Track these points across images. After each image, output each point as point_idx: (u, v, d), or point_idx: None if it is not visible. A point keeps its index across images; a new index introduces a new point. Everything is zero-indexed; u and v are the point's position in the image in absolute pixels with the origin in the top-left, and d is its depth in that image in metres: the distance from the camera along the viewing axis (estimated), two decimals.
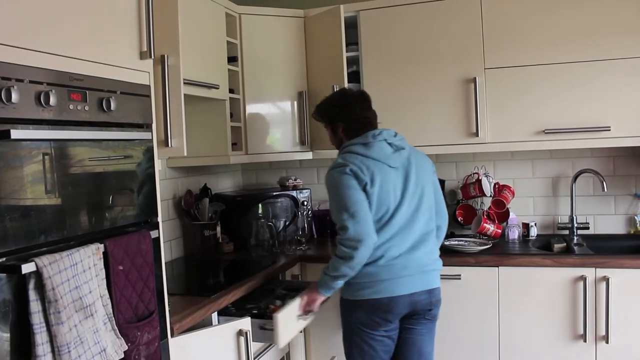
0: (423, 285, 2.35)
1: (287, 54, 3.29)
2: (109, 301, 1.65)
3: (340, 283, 2.35)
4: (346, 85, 3.03)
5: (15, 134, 1.36)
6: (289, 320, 2.35)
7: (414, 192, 2.38)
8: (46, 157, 1.49)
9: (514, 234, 3.27)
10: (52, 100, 1.47)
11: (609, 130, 2.91)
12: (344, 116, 2.47)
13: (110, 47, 1.75)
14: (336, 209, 2.32)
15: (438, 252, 2.48)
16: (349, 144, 2.43)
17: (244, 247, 3.25)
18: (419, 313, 2.38)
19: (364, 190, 2.29)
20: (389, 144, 2.38)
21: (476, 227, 3.25)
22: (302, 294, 2.45)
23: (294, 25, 3.30)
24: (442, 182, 3.50)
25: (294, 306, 2.39)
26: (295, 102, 3.31)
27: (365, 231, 2.24)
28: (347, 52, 3.33)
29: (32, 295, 1.42)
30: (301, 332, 3.01)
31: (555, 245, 3.09)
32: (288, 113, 3.32)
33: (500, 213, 3.31)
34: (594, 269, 2.73)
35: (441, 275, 2.86)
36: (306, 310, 2.44)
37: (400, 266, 2.31)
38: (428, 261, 2.39)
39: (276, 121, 3.30)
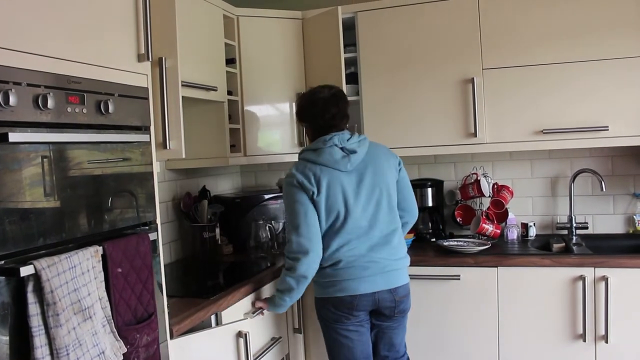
0: (385, 285, 2.42)
1: (285, 55, 3.29)
2: (107, 303, 1.65)
3: (287, 300, 2.46)
4: (344, 86, 3.03)
5: (13, 137, 1.36)
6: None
7: (369, 194, 2.43)
8: (45, 160, 1.49)
9: (513, 234, 3.27)
10: (50, 103, 1.47)
11: (607, 130, 2.92)
12: (309, 117, 2.53)
13: (108, 49, 1.75)
14: (286, 221, 2.49)
15: (404, 250, 2.52)
16: (303, 149, 2.52)
17: (243, 249, 3.25)
18: (385, 310, 2.45)
19: (312, 199, 2.37)
20: (341, 148, 2.41)
21: (475, 227, 3.25)
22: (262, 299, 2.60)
23: (292, 27, 3.30)
24: (440, 183, 3.51)
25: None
26: (294, 104, 3.31)
27: (307, 245, 2.35)
28: (345, 53, 3.34)
29: (31, 298, 1.42)
30: (300, 333, 3.02)
31: (554, 245, 3.09)
32: (286, 115, 3.32)
33: (499, 213, 3.31)
34: (593, 268, 2.74)
35: (440, 276, 2.88)
36: (255, 309, 2.56)
37: (361, 268, 2.40)
38: (389, 262, 2.44)
39: (275, 123, 3.30)
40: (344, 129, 2.51)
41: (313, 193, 2.37)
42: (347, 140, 2.44)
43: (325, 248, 2.41)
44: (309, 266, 2.37)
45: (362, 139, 2.48)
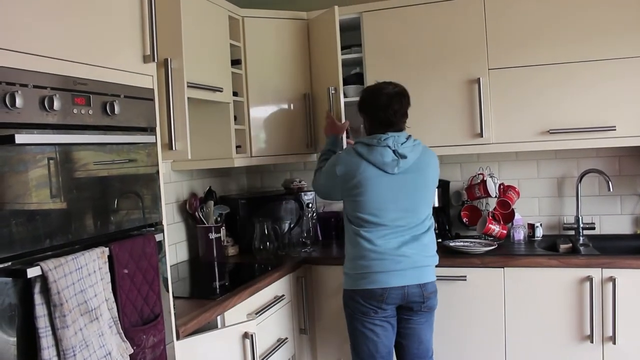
0: (415, 280, 2.48)
1: (291, 56, 3.29)
2: (114, 304, 1.66)
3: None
4: (341, 87, 3.05)
5: (20, 138, 1.37)
6: None
7: (409, 196, 2.50)
8: (51, 161, 1.50)
9: (520, 234, 3.27)
10: (56, 104, 1.48)
11: (615, 130, 2.90)
12: (370, 110, 2.60)
13: (113, 51, 1.76)
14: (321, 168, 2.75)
15: (434, 249, 2.58)
16: (358, 141, 2.57)
17: (249, 250, 3.25)
18: (413, 305, 2.50)
19: (345, 187, 2.54)
20: (393, 151, 2.47)
21: (481, 228, 3.25)
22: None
23: (297, 27, 3.29)
24: (446, 183, 3.50)
25: None
26: (300, 105, 3.31)
27: (323, 192, 2.73)
28: (350, 54, 3.34)
29: (38, 299, 1.42)
30: (306, 334, 3.02)
31: (561, 245, 3.08)
32: (292, 115, 3.32)
33: (506, 214, 3.30)
34: (600, 269, 2.73)
35: (446, 276, 2.88)
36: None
37: (393, 262, 2.46)
38: (420, 258, 2.50)
39: (280, 124, 3.30)
40: (403, 128, 2.58)
41: (349, 185, 2.51)
42: (402, 144, 2.49)
43: (357, 239, 2.50)
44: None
45: (416, 143, 2.54)
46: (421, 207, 2.53)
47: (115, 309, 1.66)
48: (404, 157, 2.46)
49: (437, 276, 2.86)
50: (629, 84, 2.89)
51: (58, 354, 1.45)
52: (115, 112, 1.70)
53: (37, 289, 1.42)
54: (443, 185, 3.47)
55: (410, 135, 2.56)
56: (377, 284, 2.45)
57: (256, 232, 3.17)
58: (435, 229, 2.53)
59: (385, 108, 2.52)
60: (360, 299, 2.48)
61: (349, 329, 2.60)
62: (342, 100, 3.07)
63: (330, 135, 2.94)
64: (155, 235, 1.86)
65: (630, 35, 2.87)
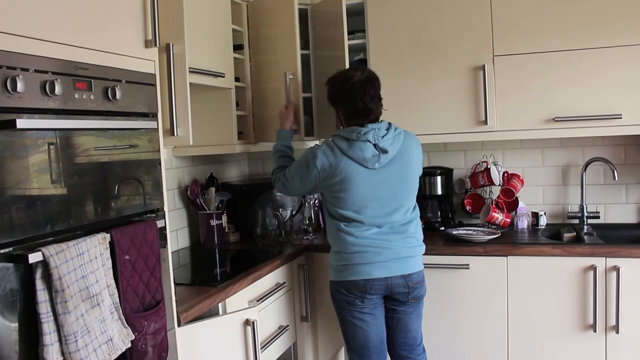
0: (398, 271, 2.48)
1: (293, 42, 3.27)
2: (115, 291, 1.67)
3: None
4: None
5: (21, 123, 1.37)
6: None
7: (391, 186, 2.48)
8: (51, 146, 1.50)
9: (523, 223, 3.27)
10: (58, 89, 1.48)
11: (620, 118, 2.90)
12: (345, 100, 2.53)
13: (115, 35, 1.76)
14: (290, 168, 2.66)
15: (419, 239, 2.58)
16: (337, 134, 2.51)
17: (250, 237, 3.26)
18: (399, 295, 2.51)
19: (323, 182, 2.50)
20: (374, 145, 2.43)
21: (485, 216, 3.25)
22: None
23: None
24: (450, 171, 3.50)
25: None
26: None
27: (289, 191, 2.68)
28: (354, 39, 3.33)
29: (39, 284, 1.43)
30: (308, 322, 3.03)
31: (565, 234, 3.09)
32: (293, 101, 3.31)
33: (509, 202, 3.31)
34: (604, 258, 2.73)
35: (449, 264, 2.88)
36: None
37: (375, 254, 2.47)
38: (404, 249, 2.50)
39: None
40: (380, 113, 2.53)
41: (328, 181, 2.48)
42: (383, 137, 2.44)
43: (339, 234, 2.51)
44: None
45: (397, 133, 2.49)
46: (403, 199, 2.51)
47: (116, 295, 1.67)
48: (385, 151, 2.43)
49: (439, 265, 2.89)
50: (636, 72, 2.87)
51: (60, 340, 1.47)
52: (117, 97, 1.70)
53: (38, 274, 1.43)
54: (446, 173, 3.47)
55: (390, 125, 2.51)
56: (359, 275, 2.46)
57: (258, 219, 3.18)
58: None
59: (360, 97, 2.46)
60: (344, 290, 2.50)
61: (340, 321, 2.61)
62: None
63: (283, 129, 2.92)
64: (157, 222, 1.87)
65: (638, 22, 2.85)
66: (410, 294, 2.51)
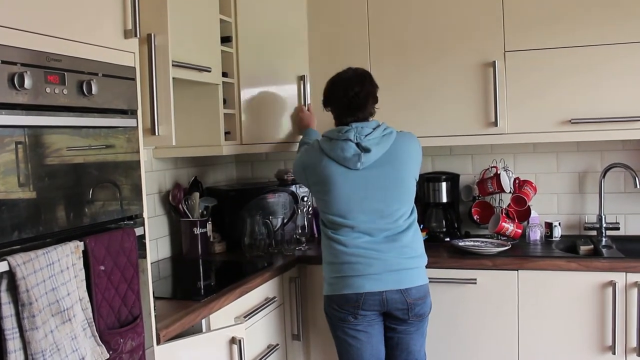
0: (394, 285, 2.47)
1: (287, 34, 3.28)
2: (89, 305, 1.66)
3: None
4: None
5: None
6: None
7: (378, 193, 2.50)
8: (19, 145, 1.49)
9: (536, 234, 3.27)
10: (27, 82, 1.47)
11: None
12: (332, 100, 2.65)
13: (91, 24, 1.75)
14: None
15: (418, 249, 2.57)
16: (323, 134, 2.63)
17: (237, 247, 3.25)
18: (397, 312, 2.50)
19: (310, 184, 2.64)
20: (356, 144, 2.46)
21: (494, 226, 3.25)
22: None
23: (294, 1, 3.28)
24: (456, 177, 3.51)
25: None
26: (295, 87, 3.30)
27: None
28: None
29: (4, 297, 1.42)
30: (300, 340, 3.02)
31: (582, 247, 3.09)
32: (287, 99, 3.32)
33: (521, 211, 3.31)
34: (624, 273, 2.74)
35: (454, 279, 2.88)
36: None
37: (366, 265, 2.47)
38: (399, 260, 2.49)
39: (274, 108, 3.30)
40: (371, 112, 2.59)
41: (311, 180, 2.60)
42: (367, 135, 2.47)
43: (329, 242, 2.55)
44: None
45: (386, 133, 2.51)
46: (394, 205, 2.51)
47: (90, 310, 1.66)
48: (367, 150, 2.45)
49: (444, 279, 2.88)
50: None
51: (26, 359, 1.45)
52: (93, 92, 1.69)
53: (3, 286, 1.42)
54: (452, 179, 3.47)
55: (380, 124, 2.54)
56: (350, 289, 2.47)
57: (246, 227, 3.17)
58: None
59: (344, 93, 2.55)
60: (336, 305, 2.51)
61: (333, 337, 2.63)
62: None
63: (310, 129, 3.14)
64: (135, 229, 1.86)
65: None
66: (411, 311, 2.50)
